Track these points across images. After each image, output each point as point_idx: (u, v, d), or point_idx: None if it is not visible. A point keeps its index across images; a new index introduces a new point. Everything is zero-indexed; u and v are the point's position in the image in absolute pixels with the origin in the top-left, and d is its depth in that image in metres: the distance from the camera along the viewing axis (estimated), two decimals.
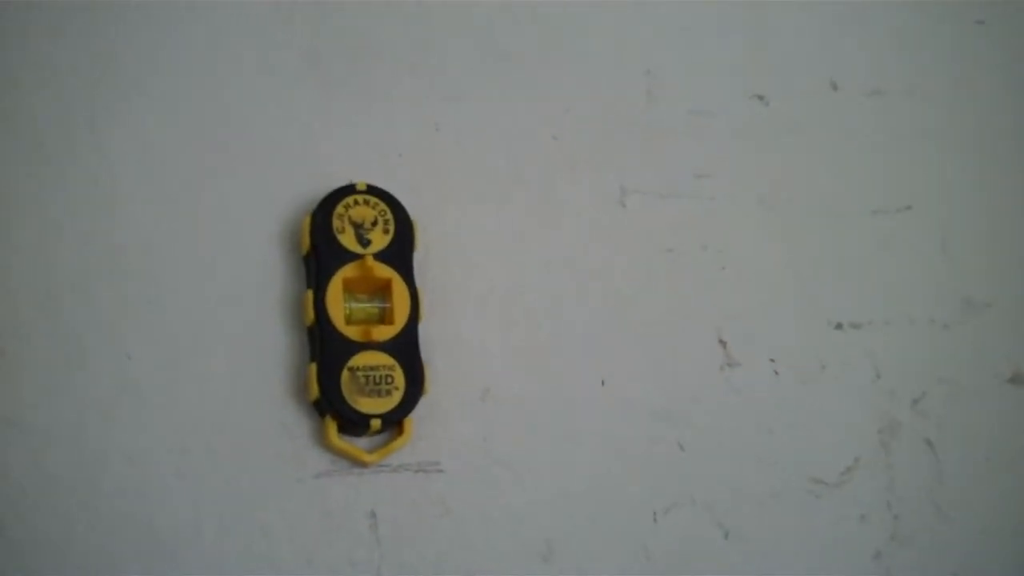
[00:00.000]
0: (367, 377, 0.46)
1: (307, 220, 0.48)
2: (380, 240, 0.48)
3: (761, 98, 0.60)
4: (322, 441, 0.47)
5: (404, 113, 0.53)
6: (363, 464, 0.47)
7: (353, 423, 0.46)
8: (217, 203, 0.49)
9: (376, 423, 0.45)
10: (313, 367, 0.46)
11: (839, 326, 0.57)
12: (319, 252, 0.47)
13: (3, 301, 0.45)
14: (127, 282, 0.47)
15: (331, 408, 0.45)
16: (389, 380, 0.46)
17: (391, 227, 0.49)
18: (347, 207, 0.48)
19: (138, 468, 0.45)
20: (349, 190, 0.49)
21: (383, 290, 0.48)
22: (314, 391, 0.46)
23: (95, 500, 0.44)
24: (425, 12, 0.54)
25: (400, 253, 0.49)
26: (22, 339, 0.45)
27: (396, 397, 0.46)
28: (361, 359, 0.46)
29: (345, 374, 0.46)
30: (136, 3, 0.50)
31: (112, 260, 0.47)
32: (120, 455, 0.45)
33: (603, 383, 0.52)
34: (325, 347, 0.46)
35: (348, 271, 0.47)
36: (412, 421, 0.48)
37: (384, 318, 0.48)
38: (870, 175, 0.61)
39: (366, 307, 0.48)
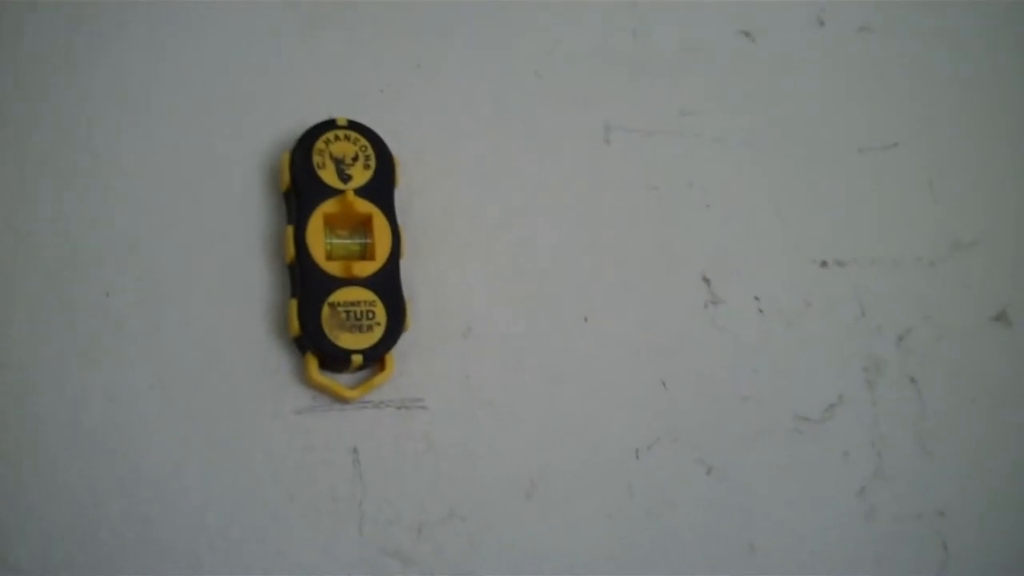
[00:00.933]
0: (348, 312, 0.46)
1: (287, 156, 0.48)
2: (361, 176, 0.48)
3: (748, 34, 0.59)
4: (303, 377, 0.47)
5: (385, 49, 0.53)
6: (345, 400, 0.47)
7: (334, 359, 0.45)
8: (197, 140, 0.49)
9: (357, 359, 0.45)
10: (294, 303, 0.46)
11: (824, 264, 0.57)
12: (299, 188, 0.47)
13: None
14: (106, 220, 0.47)
15: (312, 344, 0.45)
16: (370, 315, 0.46)
17: (372, 163, 0.48)
18: (327, 142, 0.48)
19: (120, 405, 0.45)
20: (330, 125, 0.48)
21: (364, 226, 0.48)
22: (295, 327, 0.45)
23: (77, 437, 0.44)
24: None
25: (381, 189, 0.48)
26: (1, 277, 0.44)
27: (377, 332, 0.46)
28: (342, 295, 0.46)
29: (326, 310, 0.45)
30: None
31: (91, 198, 0.47)
32: (101, 393, 0.45)
33: (586, 320, 0.52)
34: (306, 283, 0.46)
35: (328, 207, 0.47)
36: (394, 357, 0.47)
37: (365, 254, 0.48)
38: (857, 112, 0.60)
39: (347, 243, 0.47)
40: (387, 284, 0.47)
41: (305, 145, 0.48)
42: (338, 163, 0.48)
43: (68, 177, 0.46)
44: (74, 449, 0.44)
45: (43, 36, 0.48)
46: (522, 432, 0.50)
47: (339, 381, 0.47)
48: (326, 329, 0.45)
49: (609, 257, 0.54)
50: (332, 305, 0.46)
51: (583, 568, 0.49)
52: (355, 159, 0.48)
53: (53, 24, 0.48)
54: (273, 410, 0.46)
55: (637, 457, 0.51)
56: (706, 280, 0.55)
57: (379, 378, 0.47)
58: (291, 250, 0.46)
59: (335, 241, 0.47)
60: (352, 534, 0.46)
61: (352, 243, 0.48)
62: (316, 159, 0.47)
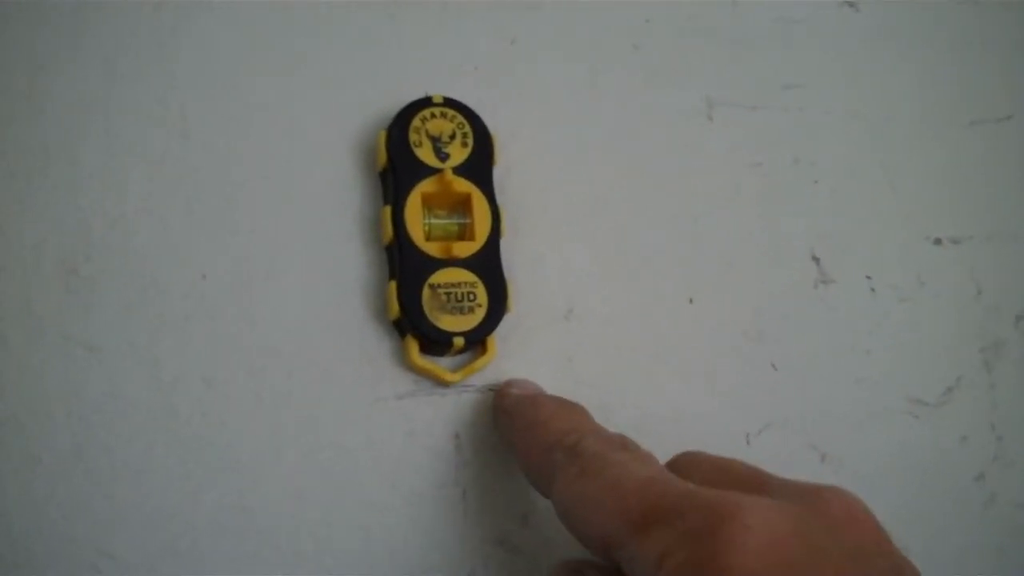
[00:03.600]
0: (448, 294, 0.44)
1: (383, 135, 0.46)
2: (459, 154, 0.47)
3: (851, 4, 0.57)
4: (403, 361, 0.46)
5: (479, 25, 0.51)
6: (446, 384, 0.46)
7: (435, 342, 0.44)
8: (289, 122, 0.48)
9: (459, 341, 0.44)
10: (393, 285, 0.44)
11: (938, 241, 0.55)
12: (396, 167, 0.46)
13: (74, 222, 0.44)
14: (200, 203, 0.45)
15: (412, 326, 0.44)
16: (471, 297, 0.44)
17: (470, 140, 0.47)
18: (424, 120, 0.46)
19: (216, 391, 0.44)
20: (426, 103, 0.47)
21: (463, 205, 0.46)
22: (394, 309, 0.44)
23: (173, 424, 0.43)
24: None
25: (479, 167, 0.47)
26: (94, 261, 0.44)
27: (479, 314, 0.44)
28: (442, 276, 0.45)
29: (426, 291, 0.44)
30: None
31: (184, 181, 0.46)
32: (197, 378, 0.44)
33: (691, 301, 0.50)
34: (404, 264, 0.44)
35: (426, 186, 0.46)
36: (495, 340, 0.46)
37: (464, 234, 0.46)
38: (967, 83, 0.58)
39: (445, 223, 0.46)
40: (488, 265, 0.45)
41: (402, 123, 0.46)
42: (435, 141, 0.46)
43: (159, 161, 0.45)
44: (170, 436, 0.43)
45: (129, 19, 0.47)
46: (626, 416, 0.48)
47: (440, 364, 0.45)
48: (427, 311, 0.44)
49: (713, 236, 0.52)
50: (432, 287, 0.44)
51: None
52: (452, 137, 0.47)
53: (139, 6, 0.47)
54: (373, 395, 0.45)
55: (748, 443, 0.49)
56: (815, 259, 0.53)
57: (481, 361, 0.46)
58: (389, 231, 0.45)
59: (434, 221, 0.46)
60: (456, 522, 0.45)
61: (451, 223, 0.46)
62: (413, 137, 0.46)
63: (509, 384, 0.45)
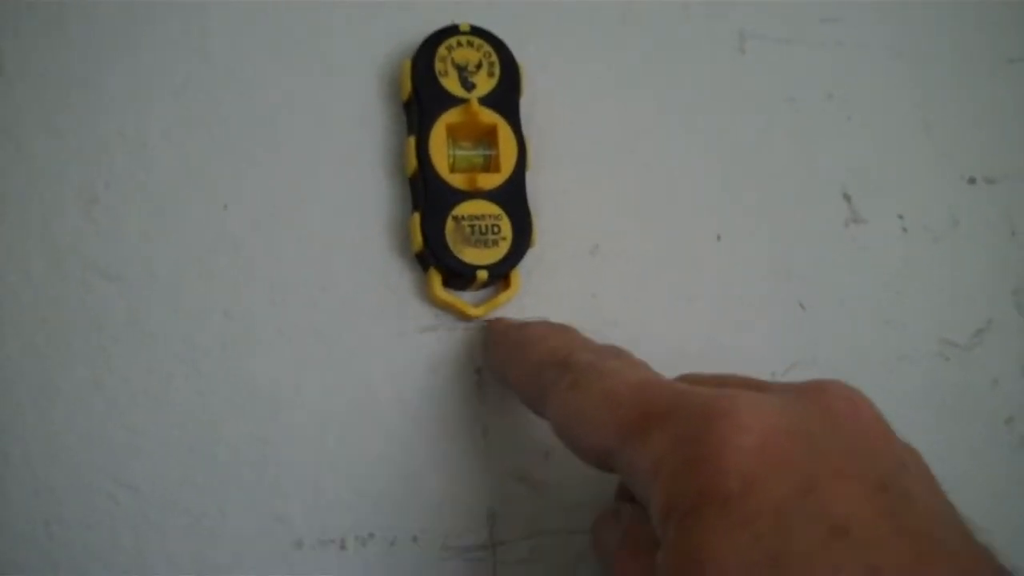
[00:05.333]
0: (472, 227, 0.44)
1: (407, 63, 0.45)
2: (485, 84, 0.46)
3: None
4: (426, 294, 0.45)
5: None
6: (468, 319, 0.45)
7: (458, 275, 0.43)
8: (313, 51, 0.47)
9: (482, 274, 0.43)
10: (416, 216, 0.44)
11: (972, 180, 0.54)
12: (421, 97, 0.45)
13: (95, 150, 0.43)
14: (222, 131, 0.45)
15: (435, 259, 0.43)
16: (496, 230, 0.44)
17: (496, 70, 0.46)
18: (450, 49, 0.46)
19: (237, 323, 0.43)
20: (452, 31, 0.46)
21: (488, 136, 0.45)
22: (417, 242, 0.43)
23: (193, 355, 0.43)
24: None
25: (506, 98, 0.46)
26: (116, 189, 0.43)
27: (503, 248, 0.44)
28: (466, 208, 0.44)
29: (450, 223, 0.43)
30: None
31: (207, 108, 0.45)
32: (218, 310, 0.43)
33: (719, 238, 0.50)
34: (429, 196, 0.44)
35: (451, 116, 0.45)
36: (519, 274, 0.45)
37: (490, 166, 0.45)
38: (1008, 21, 0.57)
39: (470, 155, 0.45)
40: (513, 198, 0.45)
41: (427, 51, 0.45)
42: (461, 71, 0.46)
43: (181, 88, 0.45)
44: (191, 367, 0.42)
45: None
46: (650, 354, 0.47)
47: (463, 298, 0.45)
48: (450, 243, 0.43)
49: (743, 173, 0.51)
50: (456, 219, 0.44)
51: None
52: (479, 66, 0.46)
53: None
54: (396, 328, 0.45)
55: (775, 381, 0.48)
56: (847, 197, 0.52)
57: (504, 296, 0.45)
58: (413, 162, 0.44)
59: (459, 152, 0.45)
60: (478, 457, 0.44)
61: (476, 155, 0.45)
62: (438, 66, 0.45)
63: (496, 319, 0.45)
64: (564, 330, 0.42)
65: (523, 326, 0.42)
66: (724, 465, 0.29)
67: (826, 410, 0.31)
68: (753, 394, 0.31)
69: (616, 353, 0.37)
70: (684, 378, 0.39)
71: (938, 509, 0.30)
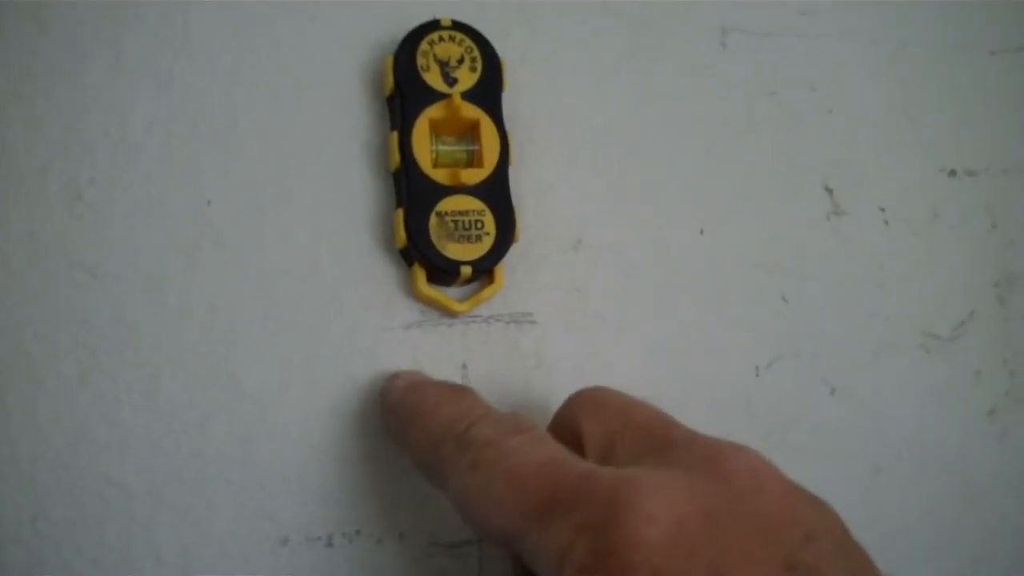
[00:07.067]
0: (456, 222, 0.44)
1: (390, 59, 0.45)
2: (467, 79, 0.46)
3: None
4: (410, 290, 0.45)
5: None
6: (453, 314, 0.45)
7: (442, 271, 0.43)
8: (295, 45, 0.47)
9: (466, 270, 0.43)
10: (400, 212, 0.44)
11: (953, 173, 0.54)
12: (403, 92, 0.45)
13: (78, 144, 0.43)
14: (205, 126, 0.45)
15: (419, 255, 0.43)
16: (479, 225, 0.44)
17: (479, 65, 0.46)
18: (432, 44, 0.46)
19: (222, 317, 0.43)
20: (434, 26, 0.46)
21: (471, 131, 0.46)
22: (401, 237, 0.43)
23: (178, 351, 0.43)
24: None
25: (488, 93, 0.46)
26: (100, 186, 0.43)
27: (487, 243, 0.44)
28: (450, 203, 0.44)
29: (433, 219, 0.43)
30: None
31: (189, 103, 0.45)
32: (203, 304, 0.43)
33: (702, 232, 0.50)
34: (412, 191, 0.44)
35: (434, 111, 0.45)
36: (503, 269, 0.45)
37: (473, 161, 0.45)
38: (988, 13, 0.57)
39: (453, 149, 0.45)
40: (496, 192, 0.45)
41: (409, 46, 0.45)
42: (443, 65, 0.46)
43: (164, 81, 0.45)
44: (176, 363, 0.42)
45: None
46: (635, 348, 0.48)
47: (447, 294, 0.45)
48: (434, 239, 0.43)
49: (726, 166, 0.51)
50: (440, 214, 0.44)
51: None
52: (460, 61, 0.46)
53: None
54: (381, 324, 0.45)
55: (757, 375, 0.49)
56: (828, 190, 0.52)
57: (488, 291, 0.45)
58: (396, 157, 0.44)
59: (441, 148, 0.45)
60: None
61: (459, 150, 0.45)
62: (420, 61, 0.45)
63: (394, 376, 0.44)
64: (461, 395, 0.39)
65: (417, 389, 0.41)
66: (632, 559, 0.28)
67: (729, 485, 0.31)
68: (658, 476, 0.30)
69: (517, 426, 0.35)
70: (587, 393, 0.39)
71: None
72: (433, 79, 0.45)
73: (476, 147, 0.45)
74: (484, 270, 0.45)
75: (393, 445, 0.44)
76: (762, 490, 0.31)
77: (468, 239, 0.44)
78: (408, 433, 0.39)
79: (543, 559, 0.31)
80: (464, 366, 0.45)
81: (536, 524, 0.31)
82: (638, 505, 0.29)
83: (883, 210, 0.52)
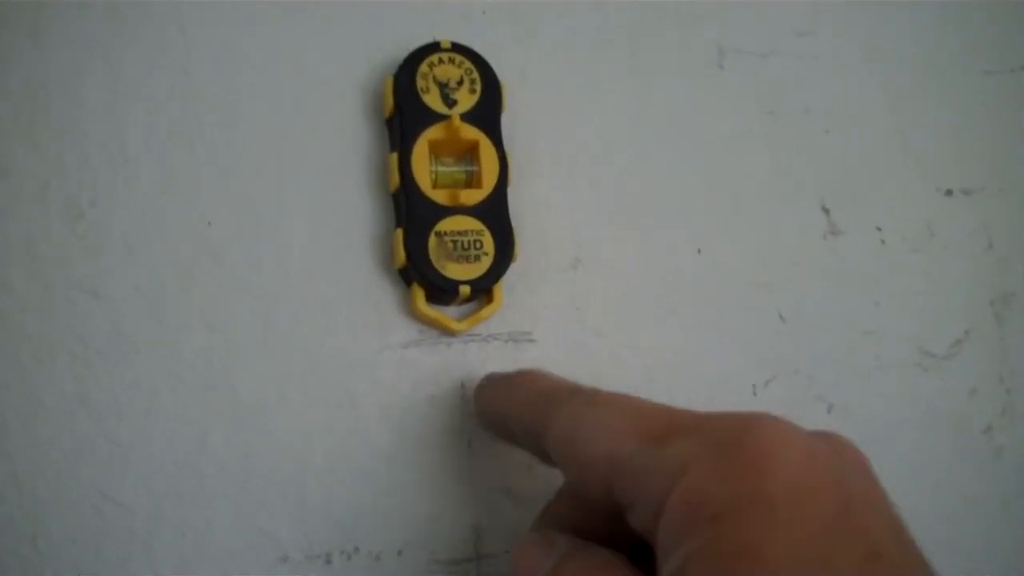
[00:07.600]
0: (455, 242, 0.44)
1: (390, 80, 0.46)
2: (467, 100, 0.46)
3: None
4: (409, 310, 0.45)
5: None
6: (452, 333, 0.45)
7: (441, 290, 0.44)
8: (295, 66, 0.47)
9: (465, 290, 0.43)
10: (399, 232, 0.44)
11: (949, 192, 0.54)
12: (403, 113, 0.45)
13: (78, 164, 0.43)
14: (204, 146, 0.45)
15: (418, 274, 0.43)
16: (478, 245, 0.44)
17: (478, 87, 0.46)
18: (431, 66, 0.46)
19: (221, 335, 0.43)
20: (433, 48, 0.46)
21: (470, 152, 0.46)
22: (400, 257, 0.44)
23: (177, 367, 0.43)
24: None
25: (488, 114, 0.46)
26: (101, 205, 0.43)
27: (485, 263, 0.44)
28: (449, 224, 0.44)
29: (432, 239, 0.44)
30: None
31: (188, 123, 0.45)
32: (202, 323, 0.43)
33: (699, 251, 0.50)
34: (411, 212, 0.44)
35: (433, 132, 0.45)
36: (502, 288, 0.46)
37: (472, 182, 0.46)
38: (983, 33, 0.57)
39: (453, 170, 0.46)
40: (495, 213, 0.45)
41: (409, 68, 0.46)
42: (443, 87, 0.46)
43: (163, 100, 0.45)
44: (175, 381, 0.43)
45: None
46: (633, 366, 0.48)
47: (446, 313, 0.45)
48: (433, 259, 0.44)
49: (723, 186, 0.51)
50: (439, 234, 0.44)
51: None
52: (460, 83, 0.46)
53: None
54: (380, 343, 0.45)
55: (754, 393, 0.49)
56: (825, 209, 0.52)
57: (487, 310, 0.45)
58: (395, 178, 0.45)
59: (441, 168, 0.45)
60: (462, 471, 0.45)
61: (458, 170, 0.46)
62: (420, 83, 0.46)
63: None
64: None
65: (523, 371, 0.42)
66: (771, 469, 0.28)
67: (841, 451, 0.32)
68: (781, 419, 0.31)
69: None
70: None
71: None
72: (433, 100, 0.46)
73: (475, 168, 0.46)
74: (483, 289, 0.45)
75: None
76: (864, 467, 0.32)
77: (467, 259, 0.44)
78: (515, 392, 0.40)
79: (650, 480, 0.31)
80: (463, 385, 0.45)
81: (652, 444, 0.31)
82: (774, 430, 0.30)
83: (879, 229, 0.52)
